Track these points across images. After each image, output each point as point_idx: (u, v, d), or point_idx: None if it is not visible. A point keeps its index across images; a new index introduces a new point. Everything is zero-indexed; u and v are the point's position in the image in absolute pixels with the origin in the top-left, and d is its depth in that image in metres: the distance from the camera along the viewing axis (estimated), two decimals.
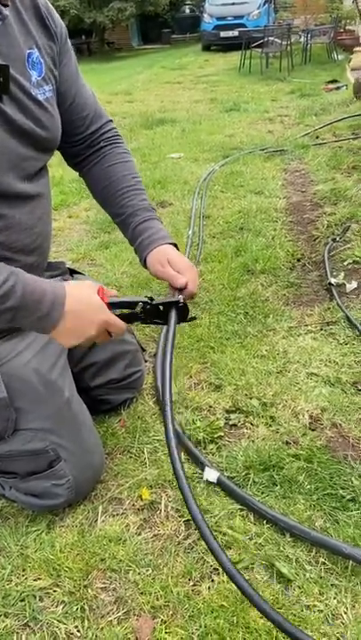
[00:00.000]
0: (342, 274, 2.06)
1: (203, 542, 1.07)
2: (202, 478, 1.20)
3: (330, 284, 1.98)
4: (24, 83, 0.94)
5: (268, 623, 0.91)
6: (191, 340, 1.72)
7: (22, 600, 1.00)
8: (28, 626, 0.97)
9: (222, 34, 12.69)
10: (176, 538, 1.10)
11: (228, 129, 4.85)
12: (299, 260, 2.25)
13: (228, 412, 1.42)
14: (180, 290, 1.05)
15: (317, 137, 4.13)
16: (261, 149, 3.94)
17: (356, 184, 2.86)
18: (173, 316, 1.01)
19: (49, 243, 1.17)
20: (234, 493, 1.15)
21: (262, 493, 1.16)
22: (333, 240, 2.30)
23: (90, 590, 1.00)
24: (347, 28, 10.43)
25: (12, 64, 0.89)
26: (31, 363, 1.08)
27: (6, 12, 0.90)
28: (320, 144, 3.89)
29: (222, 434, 1.35)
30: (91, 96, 1.16)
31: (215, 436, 1.33)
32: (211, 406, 1.45)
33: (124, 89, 8.42)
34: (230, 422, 1.39)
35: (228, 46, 12.39)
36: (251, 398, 1.45)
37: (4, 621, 0.97)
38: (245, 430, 1.36)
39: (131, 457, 1.30)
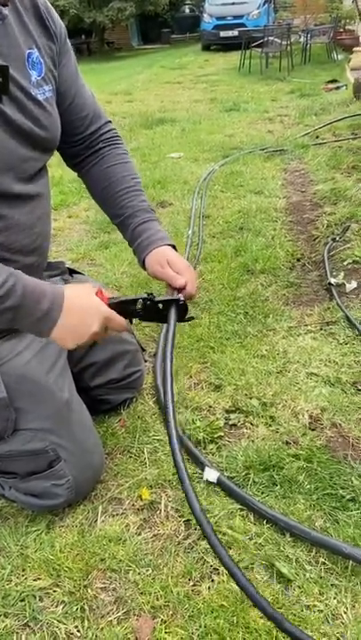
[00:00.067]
0: (342, 274, 2.06)
1: (203, 542, 1.07)
2: (202, 478, 1.20)
3: (330, 283, 1.98)
4: (24, 83, 0.94)
5: (269, 623, 0.91)
6: (191, 340, 1.72)
7: (22, 600, 1.00)
8: (28, 626, 0.97)
9: (222, 33, 12.69)
10: (176, 538, 1.10)
11: (228, 129, 4.85)
12: (299, 260, 2.25)
13: (227, 411, 1.42)
14: (179, 290, 1.05)
15: (317, 137, 4.13)
16: (261, 149, 3.94)
17: (356, 184, 2.86)
18: (173, 313, 1.01)
19: (48, 243, 1.17)
20: (234, 493, 1.15)
21: (262, 493, 1.16)
22: (333, 240, 2.30)
23: (90, 590, 1.00)
24: (346, 27, 10.41)
25: (11, 64, 0.89)
26: (31, 363, 1.08)
27: (6, 11, 0.90)
28: (320, 144, 3.89)
29: (222, 434, 1.35)
30: (90, 96, 1.16)
31: (215, 435, 1.33)
32: (211, 406, 1.45)
33: (123, 89, 8.41)
34: (230, 422, 1.39)
35: (227, 46, 12.38)
36: (251, 398, 1.45)
37: (3, 621, 0.97)
38: (245, 430, 1.36)
39: (131, 457, 1.30)
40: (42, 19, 1.00)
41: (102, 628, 0.94)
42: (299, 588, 0.98)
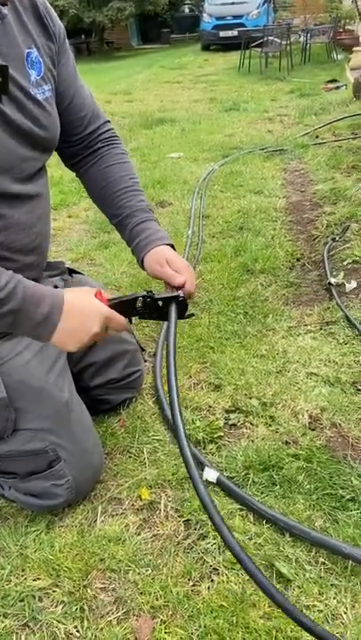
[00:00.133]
0: (342, 273, 2.06)
1: (203, 542, 1.07)
2: (201, 478, 1.19)
3: (329, 283, 1.98)
4: (23, 82, 0.94)
5: (268, 623, 0.91)
6: (191, 340, 1.72)
7: (22, 600, 1.00)
8: (28, 626, 0.97)
9: (222, 33, 12.68)
10: (175, 538, 1.10)
11: (228, 128, 4.85)
12: (298, 260, 2.25)
13: (227, 411, 1.42)
14: (179, 289, 1.05)
15: (317, 136, 4.13)
16: (261, 149, 3.94)
17: (356, 183, 2.86)
18: (174, 310, 1.01)
19: (48, 242, 1.17)
20: (233, 493, 1.15)
21: (262, 493, 1.16)
22: (333, 240, 2.30)
23: (89, 590, 1.00)
24: (346, 27, 10.41)
25: (11, 63, 0.89)
26: (31, 363, 1.08)
27: (5, 11, 0.90)
28: (320, 143, 3.89)
29: (222, 434, 1.35)
30: (89, 96, 1.16)
31: (215, 435, 1.33)
32: (210, 406, 1.44)
33: (123, 89, 8.41)
34: (230, 422, 1.39)
35: (227, 46, 12.38)
36: (250, 398, 1.45)
37: (3, 622, 0.97)
38: (245, 430, 1.36)
39: (130, 457, 1.30)
40: (41, 18, 0.99)
41: (102, 629, 0.94)
42: (298, 587, 0.98)
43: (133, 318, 1.07)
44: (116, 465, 1.28)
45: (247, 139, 4.36)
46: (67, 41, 1.09)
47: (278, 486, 1.17)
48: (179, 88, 8.15)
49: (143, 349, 1.50)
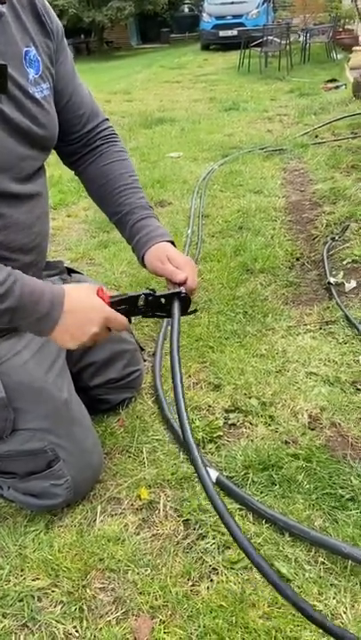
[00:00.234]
0: (341, 273, 2.06)
1: (202, 542, 1.07)
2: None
3: (329, 283, 1.98)
4: (21, 81, 0.94)
5: (268, 623, 0.91)
6: (190, 340, 1.72)
7: (21, 600, 1.00)
8: (27, 626, 0.96)
9: (221, 33, 12.68)
10: (175, 537, 1.09)
11: (228, 128, 4.85)
12: (298, 260, 2.25)
13: (227, 411, 1.42)
14: (180, 285, 1.04)
15: (316, 136, 4.13)
16: (261, 148, 3.94)
17: (356, 183, 2.86)
18: (177, 306, 1.01)
19: (47, 242, 1.16)
20: (233, 493, 1.15)
21: (261, 493, 1.16)
22: (332, 239, 2.30)
23: (88, 590, 1.00)
24: (346, 27, 10.40)
25: (9, 62, 0.89)
26: (29, 362, 1.08)
27: (3, 9, 0.89)
28: (319, 143, 3.89)
29: (221, 433, 1.35)
30: (87, 94, 1.15)
31: (214, 435, 1.33)
32: (210, 406, 1.44)
33: (122, 88, 8.41)
34: (229, 422, 1.39)
35: (227, 45, 12.37)
36: (250, 398, 1.45)
37: (2, 622, 0.97)
38: (244, 430, 1.36)
39: (129, 456, 1.30)
40: (39, 16, 0.99)
41: (101, 629, 0.94)
42: (298, 587, 0.97)
43: (133, 318, 1.07)
44: (116, 465, 1.28)
45: (247, 138, 4.36)
46: (65, 39, 1.08)
47: (278, 486, 1.17)
48: (178, 88, 8.15)
49: (142, 349, 1.50)
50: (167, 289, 1.07)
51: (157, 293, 1.02)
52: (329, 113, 4.89)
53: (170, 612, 0.95)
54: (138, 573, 1.02)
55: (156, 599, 0.97)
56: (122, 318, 1.00)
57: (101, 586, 1.02)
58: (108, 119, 1.22)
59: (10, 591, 1.01)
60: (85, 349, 1.27)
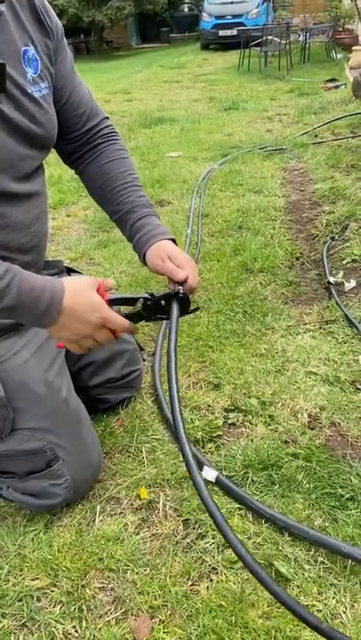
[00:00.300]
0: (341, 272, 2.06)
1: (202, 542, 1.07)
2: (202, 478, 1.19)
3: (329, 282, 1.98)
4: (20, 80, 0.93)
5: (267, 623, 0.91)
6: (190, 339, 1.72)
7: (20, 600, 1.00)
8: (26, 626, 0.96)
9: (221, 32, 12.68)
10: (174, 537, 1.09)
11: (227, 128, 4.85)
12: (298, 259, 2.24)
13: (226, 411, 1.42)
14: (181, 284, 1.04)
15: (316, 136, 4.13)
16: (260, 148, 3.94)
17: (355, 182, 2.86)
18: (175, 307, 1.00)
19: (46, 241, 1.16)
20: (232, 492, 1.15)
21: (261, 492, 1.16)
22: (332, 239, 2.30)
23: (88, 590, 1.00)
24: (346, 26, 10.41)
25: (7, 61, 0.89)
26: (29, 362, 1.07)
27: (2, 8, 0.89)
28: (319, 143, 3.88)
29: (221, 433, 1.34)
30: (87, 93, 1.15)
31: (214, 435, 1.33)
32: (209, 405, 1.44)
33: (122, 88, 8.41)
34: (229, 421, 1.38)
35: (226, 45, 12.39)
36: (249, 397, 1.45)
37: (1, 622, 0.97)
38: (244, 429, 1.36)
39: (129, 456, 1.30)
40: (38, 15, 0.99)
41: (100, 628, 0.94)
42: (298, 587, 0.97)
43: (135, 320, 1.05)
44: (115, 464, 1.28)
45: (246, 138, 4.36)
46: (64, 38, 1.08)
47: (277, 485, 1.17)
48: (178, 87, 8.15)
49: (142, 348, 1.50)
50: (168, 287, 1.07)
51: (156, 295, 1.01)
52: (329, 112, 4.89)
53: (169, 612, 0.95)
54: (137, 573, 1.02)
55: (156, 599, 0.97)
56: (121, 319, 0.99)
57: (101, 585, 1.01)
58: (108, 117, 1.21)
59: (9, 591, 1.01)
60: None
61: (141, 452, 1.30)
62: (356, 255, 2.13)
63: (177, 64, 11.40)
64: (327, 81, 6.84)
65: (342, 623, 0.91)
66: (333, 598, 0.95)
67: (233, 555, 1.03)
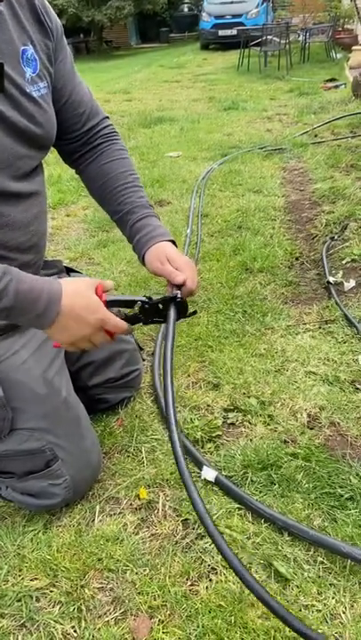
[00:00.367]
0: (341, 272, 2.05)
1: (201, 542, 1.07)
2: (200, 477, 1.19)
3: (328, 282, 1.98)
4: (18, 80, 0.93)
5: (267, 623, 0.91)
6: (189, 339, 1.72)
7: (19, 600, 1.00)
8: (25, 626, 0.96)
9: (221, 32, 12.68)
10: (174, 537, 1.09)
11: (227, 127, 4.84)
12: (297, 259, 2.24)
13: (226, 410, 1.42)
14: (179, 287, 1.04)
15: (316, 135, 4.13)
16: (260, 148, 3.94)
17: (355, 182, 2.85)
18: (172, 311, 1.00)
19: (45, 241, 1.16)
20: (232, 492, 1.15)
21: (260, 492, 1.16)
22: (332, 238, 2.30)
23: (87, 590, 1.00)
24: (345, 26, 10.40)
25: (6, 61, 0.89)
26: (28, 362, 1.07)
27: (1, 7, 0.89)
28: (319, 142, 3.88)
29: (220, 433, 1.34)
30: (87, 93, 1.15)
31: (213, 434, 1.33)
32: (209, 405, 1.44)
33: (122, 88, 8.40)
34: (228, 421, 1.38)
35: (226, 45, 12.39)
36: (249, 397, 1.45)
37: (0, 622, 0.97)
38: (243, 429, 1.36)
39: (128, 456, 1.30)
40: (37, 15, 0.99)
41: (99, 629, 0.94)
42: (297, 587, 0.97)
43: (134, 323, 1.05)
44: (115, 464, 1.28)
45: (246, 138, 4.36)
46: (64, 38, 1.08)
47: (277, 485, 1.16)
48: (178, 87, 8.15)
49: (142, 348, 1.49)
50: (167, 289, 1.06)
51: (154, 299, 1.01)
52: (328, 112, 4.89)
53: (168, 612, 0.95)
54: (136, 573, 1.02)
55: (155, 599, 0.97)
56: (119, 322, 0.98)
57: (100, 586, 1.01)
58: (108, 117, 1.21)
59: (8, 591, 1.01)
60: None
61: (141, 451, 1.30)
62: (356, 255, 2.13)
63: (177, 64, 11.40)
64: (327, 81, 6.85)
65: (342, 623, 0.91)
66: (333, 598, 0.95)
67: None
